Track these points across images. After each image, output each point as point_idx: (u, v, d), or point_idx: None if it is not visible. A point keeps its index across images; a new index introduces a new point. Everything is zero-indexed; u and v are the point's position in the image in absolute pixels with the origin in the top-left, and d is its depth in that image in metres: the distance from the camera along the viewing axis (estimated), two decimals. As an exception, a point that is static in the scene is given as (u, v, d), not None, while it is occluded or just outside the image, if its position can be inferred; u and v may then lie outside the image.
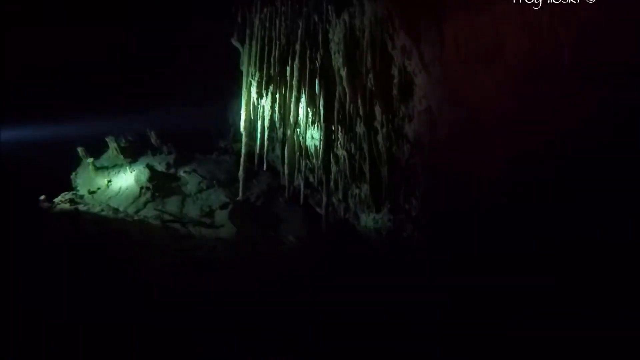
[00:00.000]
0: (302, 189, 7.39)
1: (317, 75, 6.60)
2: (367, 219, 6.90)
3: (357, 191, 6.93)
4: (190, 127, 9.01)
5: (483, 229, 4.91)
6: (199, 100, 8.95)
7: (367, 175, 6.44)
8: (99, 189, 7.96)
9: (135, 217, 7.05)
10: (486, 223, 4.89)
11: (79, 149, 8.61)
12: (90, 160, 8.28)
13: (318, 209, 7.59)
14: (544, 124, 4.21)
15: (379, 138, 6.13)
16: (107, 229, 6.42)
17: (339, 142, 6.74)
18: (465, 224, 5.08)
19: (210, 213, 7.58)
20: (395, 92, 5.76)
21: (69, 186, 8.02)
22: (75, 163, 8.61)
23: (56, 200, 7.18)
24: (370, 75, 5.89)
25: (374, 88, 5.94)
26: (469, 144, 4.76)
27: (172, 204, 7.69)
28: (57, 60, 8.89)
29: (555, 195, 4.54)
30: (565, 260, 4.44)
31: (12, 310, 4.67)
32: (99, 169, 8.41)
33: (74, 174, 8.41)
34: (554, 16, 3.92)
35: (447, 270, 5.15)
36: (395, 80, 5.71)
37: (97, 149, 8.90)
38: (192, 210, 7.62)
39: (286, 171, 7.46)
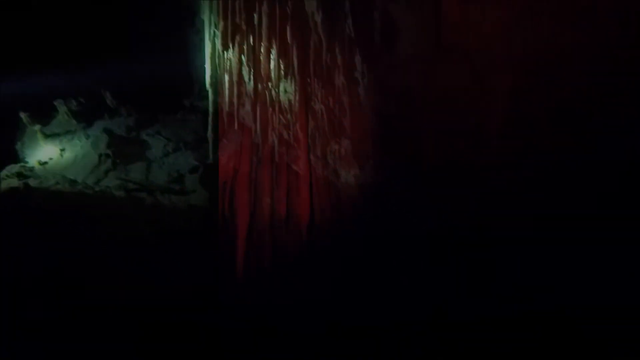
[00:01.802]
0: (276, 146, 6.91)
1: (289, 23, 5.93)
2: (348, 176, 6.54)
3: (336, 147, 6.52)
4: (149, 85, 8.28)
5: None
6: (158, 55, 8.18)
7: (348, 130, 6.00)
8: (51, 159, 7.24)
9: (96, 189, 6.48)
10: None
11: (22, 115, 7.76)
12: (38, 127, 7.50)
13: (294, 167, 7.21)
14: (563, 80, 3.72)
15: (360, 90, 5.62)
16: (64, 204, 5.87)
17: (315, 96, 6.22)
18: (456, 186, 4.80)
19: (180, 178, 7.12)
20: (377, 38, 5.23)
21: (15, 158, 7.28)
22: (19, 131, 7.81)
23: (1, 174, 6.48)
24: (349, 21, 5.30)
25: (353, 34, 5.37)
26: (466, 97, 4.33)
27: (136, 171, 7.18)
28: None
29: None
30: None
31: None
32: (49, 136, 7.63)
33: (19, 143, 7.63)
34: None
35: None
36: (377, 25, 5.17)
37: (44, 114, 8.08)
38: (159, 177, 7.13)
39: (258, 128, 6.95)
